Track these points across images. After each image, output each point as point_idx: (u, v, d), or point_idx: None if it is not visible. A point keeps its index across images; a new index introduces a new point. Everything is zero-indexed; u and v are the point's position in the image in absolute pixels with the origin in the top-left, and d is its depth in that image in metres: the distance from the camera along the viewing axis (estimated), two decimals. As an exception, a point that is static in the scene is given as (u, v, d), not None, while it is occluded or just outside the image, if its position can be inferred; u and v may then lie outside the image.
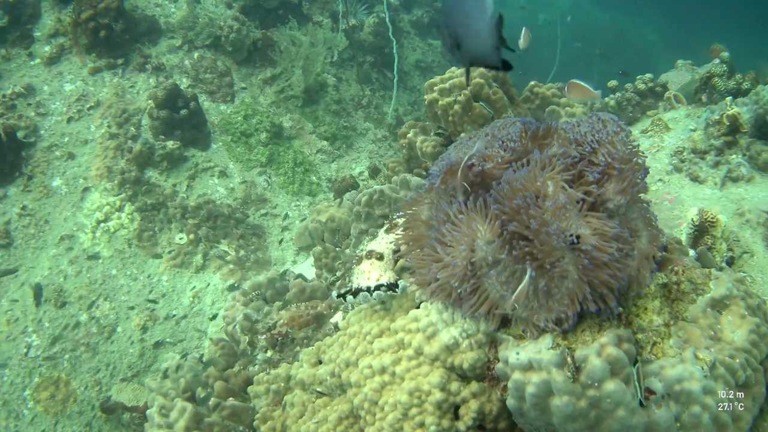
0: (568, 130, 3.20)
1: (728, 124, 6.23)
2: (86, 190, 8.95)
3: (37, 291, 8.01)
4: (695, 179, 6.18)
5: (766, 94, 6.20)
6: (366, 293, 3.53)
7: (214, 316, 8.11)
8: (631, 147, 3.03)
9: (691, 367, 2.82)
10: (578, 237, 2.69)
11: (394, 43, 11.98)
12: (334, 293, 3.77)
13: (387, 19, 12.10)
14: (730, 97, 6.68)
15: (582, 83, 5.98)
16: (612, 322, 2.90)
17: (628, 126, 7.21)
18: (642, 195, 5.22)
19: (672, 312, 3.16)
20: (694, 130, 6.68)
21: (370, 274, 3.54)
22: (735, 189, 5.94)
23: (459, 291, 3.00)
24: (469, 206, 2.97)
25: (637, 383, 2.79)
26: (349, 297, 3.60)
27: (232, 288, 8.34)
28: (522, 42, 6.83)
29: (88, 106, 9.68)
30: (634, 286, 2.95)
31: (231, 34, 10.67)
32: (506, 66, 2.59)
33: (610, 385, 2.69)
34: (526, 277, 2.74)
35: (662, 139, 6.88)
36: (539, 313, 2.86)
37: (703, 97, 7.38)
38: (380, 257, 3.57)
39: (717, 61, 7.53)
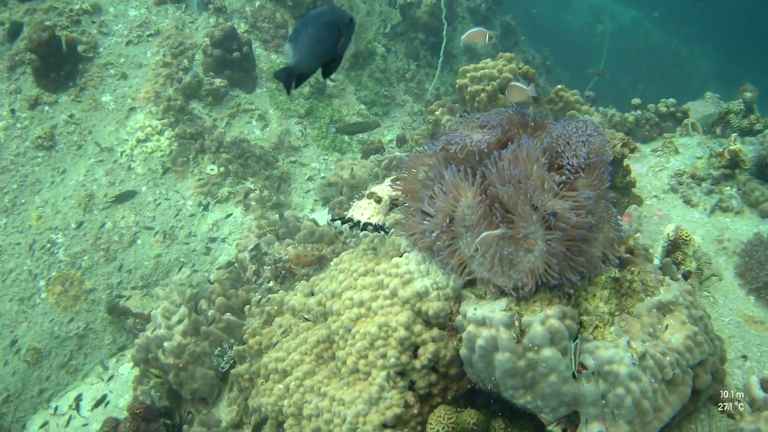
0: (557, 127, 3.66)
1: (728, 158, 6.67)
2: (132, 110, 9.42)
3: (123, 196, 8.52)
4: (688, 202, 6.61)
5: (774, 138, 6.58)
6: (348, 224, 3.96)
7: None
8: (603, 151, 3.46)
9: (623, 352, 3.22)
10: (554, 213, 3.11)
11: (446, 25, 12.29)
12: (329, 217, 4.20)
13: (442, 3, 12.43)
14: (736, 134, 7.11)
15: (520, 84, 6.40)
16: (562, 300, 3.34)
17: (641, 143, 7.65)
18: (635, 206, 5.65)
19: (619, 304, 3.57)
20: (699, 158, 7.08)
21: (364, 211, 3.97)
22: (722, 218, 6.35)
23: (437, 242, 3.48)
24: (460, 174, 3.42)
25: (573, 356, 3.19)
26: (337, 222, 4.01)
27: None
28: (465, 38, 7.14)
29: (148, 33, 10.15)
30: (591, 271, 3.40)
31: (294, -11, 10.98)
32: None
33: (548, 352, 3.14)
34: (498, 230, 3.18)
35: (668, 160, 7.30)
36: (501, 278, 3.31)
37: (717, 130, 7.75)
38: (378, 200, 3.99)
39: (740, 99, 7.85)
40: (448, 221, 3.39)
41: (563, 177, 3.30)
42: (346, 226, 3.95)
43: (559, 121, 3.79)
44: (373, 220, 3.92)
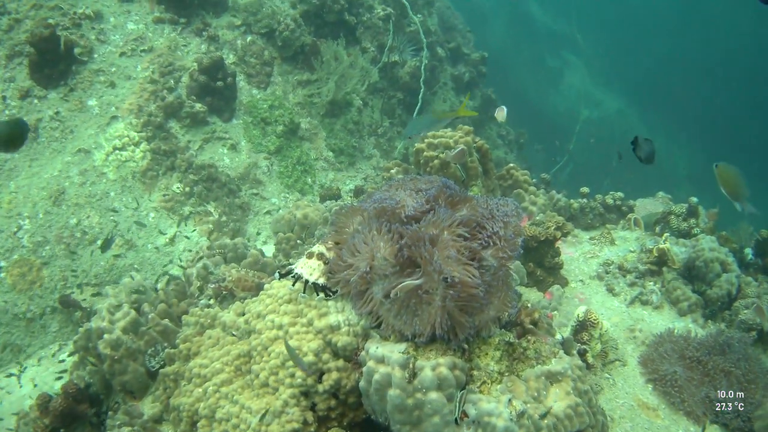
0: (480, 201, 4.08)
1: (657, 255, 7.08)
2: (114, 118, 9.78)
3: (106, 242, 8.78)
4: (610, 290, 6.97)
5: (704, 244, 7.00)
6: (298, 283, 4.31)
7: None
8: (516, 230, 3.89)
9: (502, 408, 3.54)
10: (453, 278, 3.50)
11: (422, 89, 12.79)
12: (277, 274, 4.59)
13: (422, 67, 12.95)
14: (668, 234, 7.57)
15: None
16: (456, 353, 3.70)
17: (582, 230, 8.00)
18: (558, 286, 6.04)
19: (510, 367, 3.90)
20: (632, 252, 7.50)
21: (312, 270, 4.28)
22: (640, 310, 6.69)
23: (353, 287, 3.87)
24: (383, 233, 3.82)
25: (458, 404, 3.54)
26: (285, 280, 4.43)
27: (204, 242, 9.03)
28: (498, 116, 7.36)
29: (142, 48, 10.54)
30: (483, 331, 3.78)
31: (285, 31, 11.51)
32: None
33: (434, 395, 3.50)
34: (418, 280, 3.56)
35: (601, 249, 7.72)
36: (403, 325, 3.71)
37: (657, 229, 8.19)
38: (326, 262, 4.30)
39: (685, 204, 8.27)
40: (368, 269, 3.74)
41: (477, 245, 3.71)
42: (298, 284, 4.31)
43: (483, 197, 4.22)
44: (320, 281, 4.24)
